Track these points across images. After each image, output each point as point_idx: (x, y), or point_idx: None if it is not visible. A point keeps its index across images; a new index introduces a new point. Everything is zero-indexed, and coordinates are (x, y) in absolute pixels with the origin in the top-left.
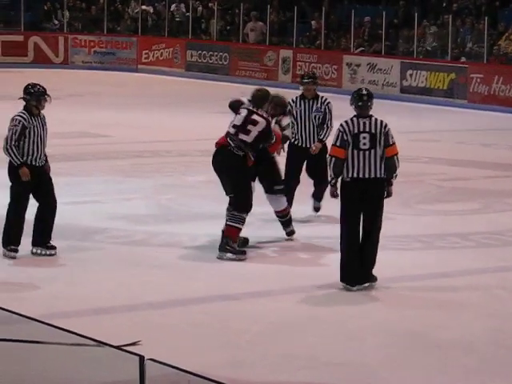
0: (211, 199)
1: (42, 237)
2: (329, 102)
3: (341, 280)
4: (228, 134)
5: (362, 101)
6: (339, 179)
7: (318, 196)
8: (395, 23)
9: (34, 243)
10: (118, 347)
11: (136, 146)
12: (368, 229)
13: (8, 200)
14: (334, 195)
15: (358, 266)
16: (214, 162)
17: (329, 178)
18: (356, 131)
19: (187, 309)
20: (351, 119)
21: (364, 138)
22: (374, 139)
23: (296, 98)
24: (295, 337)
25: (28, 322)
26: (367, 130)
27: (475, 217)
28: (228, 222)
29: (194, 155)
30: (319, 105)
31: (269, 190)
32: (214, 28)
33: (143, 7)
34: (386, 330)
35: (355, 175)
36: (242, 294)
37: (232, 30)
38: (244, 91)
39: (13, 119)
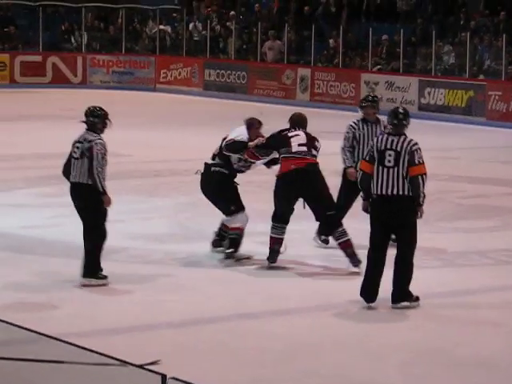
0: None
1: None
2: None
3: (360, 294)
4: (307, 152)
5: (397, 119)
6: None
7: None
8: (413, 41)
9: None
10: (139, 366)
11: (154, 165)
12: (399, 247)
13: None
14: (364, 210)
15: (377, 284)
16: (307, 182)
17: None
18: (383, 148)
19: (206, 327)
20: (382, 136)
21: (389, 155)
22: (398, 157)
23: (358, 121)
24: (317, 356)
25: (49, 342)
26: (393, 147)
27: (495, 234)
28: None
29: None
30: (383, 128)
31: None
32: (232, 47)
33: (161, 27)
34: (408, 349)
35: (379, 192)
36: (262, 312)
37: (250, 48)
38: (262, 110)
39: (98, 143)
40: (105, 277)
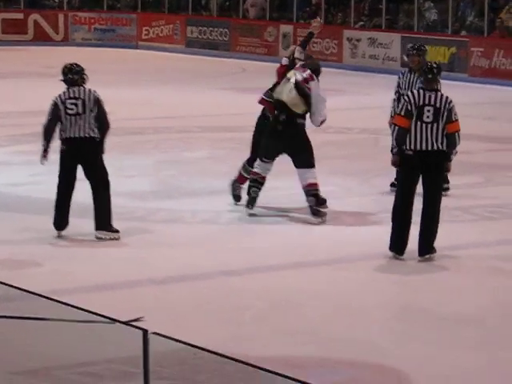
0: (211, 175)
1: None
2: None
3: (390, 249)
4: None
5: (431, 73)
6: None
7: None
8: None
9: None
10: (121, 322)
11: (136, 122)
12: (429, 201)
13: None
14: (395, 164)
15: (407, 236)
16: None
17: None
18: (421, 103)
19: (189, 285)
20: (418, 91)
21: (428, 111)
22: (438, 113)
23: (405, 70)
24: (298, 313)
25: (32, 298)
26: (432, 103)
27: (478, 190)
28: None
29: (195, 131)
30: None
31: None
32: (214, 4)
33: None
34: (390, 305)
35: (418, 147)
36: (243, 269)
37: (232, 5)
38: (245, 67)
39: (98, 95)
40: (117, 230)
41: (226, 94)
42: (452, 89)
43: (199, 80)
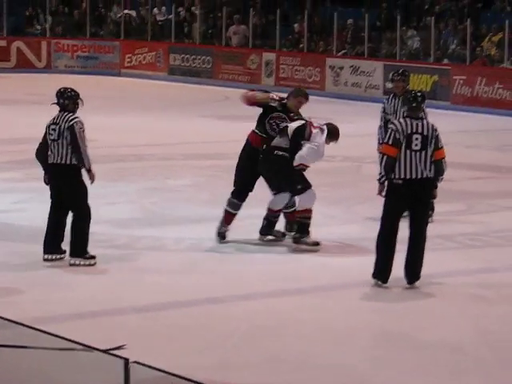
0: (194, 202)
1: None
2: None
3: (374, 277)
4: None
5: (416, 102)
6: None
7: None
8: (378, 26)
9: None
10: (103, 351)
11: (120, 150)
12: (416, 228)
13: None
14: (381, 193)
15: (391, 264)
16: None
17: (377, 177)
18: (409, 132)
19: (171, 312)
20: (404, 119)
21: (416, 139)
22: (426, 141)
23: (389, 95)
24: (280, 339)
25: (12, 326)
26: (420, 131)
27: (460, 218)
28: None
29: (178, 159)
30: None
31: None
32: (197, 31)
33: (126, 11)
34: (372, 332)
35: (408, 176)
36: (226, 296)
37: (215, 33)
38: (227, 95)
39: (77, 122)
40: (92, 257)
41: (208, 122)
42: (435, 117)
43: (182, 107)
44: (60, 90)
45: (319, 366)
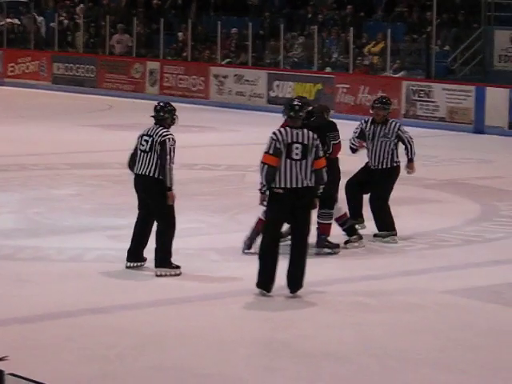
0: (79, 212)
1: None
2: (400, 126)
3: (257, 286)
4: None
5: (294, 111)
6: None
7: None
8: (262, 34)
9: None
10: None
11: (2, 159)
12: (298, 237)
13: None
14: (263, 203)
15: (275, 273)
16: None
17: (258, 186)
18: (290, 141)
19: (55, 323)
20: (284, 129)
21: (297, 148)
22: (306, 150)
23: (368, 119)
24: (163, 349)
25: None
26: (300, 140)
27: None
28: (320, 221)
29: (62, 168)
30: (387, 130)
31: None
32: (81, 40)
33: (9, 20)
34: (255, 341)
35: (288, 185)
36: (110, 306)
37: (98, 42)
38: (111, 104)
39: (170, 139)
40: (177, 266)
41: (92, 131)
42: None
43: (66, 117)
44: (159, 103)
45: (203, 376)
